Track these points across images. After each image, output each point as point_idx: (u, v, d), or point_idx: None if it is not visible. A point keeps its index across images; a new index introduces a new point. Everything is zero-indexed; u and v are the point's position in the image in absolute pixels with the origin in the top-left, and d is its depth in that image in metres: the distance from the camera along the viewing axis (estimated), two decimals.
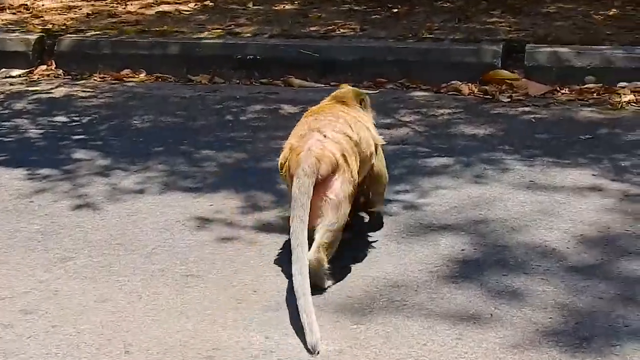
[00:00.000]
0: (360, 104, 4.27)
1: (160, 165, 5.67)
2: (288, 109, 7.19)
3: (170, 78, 8.60)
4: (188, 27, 10.05)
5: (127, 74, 8.48)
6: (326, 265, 3.64)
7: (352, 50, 8.42)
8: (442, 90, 7.58)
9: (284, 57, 8.48)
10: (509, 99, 7.14)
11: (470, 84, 7.24)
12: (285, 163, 3.81)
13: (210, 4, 11.62)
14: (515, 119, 6.68)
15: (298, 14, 10.79)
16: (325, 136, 3.76)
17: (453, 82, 7.41)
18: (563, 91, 6.97)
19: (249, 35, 9.49)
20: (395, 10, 10.81)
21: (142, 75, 8.51)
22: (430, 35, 9.38)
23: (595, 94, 6.79)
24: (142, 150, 6.02)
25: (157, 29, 9.90)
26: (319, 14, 10.77)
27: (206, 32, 9.68)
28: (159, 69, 8.55)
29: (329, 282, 3.72)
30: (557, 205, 4.69)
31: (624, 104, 6.48)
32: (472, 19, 10.18)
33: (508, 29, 9.62)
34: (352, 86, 4.74)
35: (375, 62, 8.17)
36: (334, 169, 3.66)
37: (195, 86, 8.26)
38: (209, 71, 8.58)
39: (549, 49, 7.40)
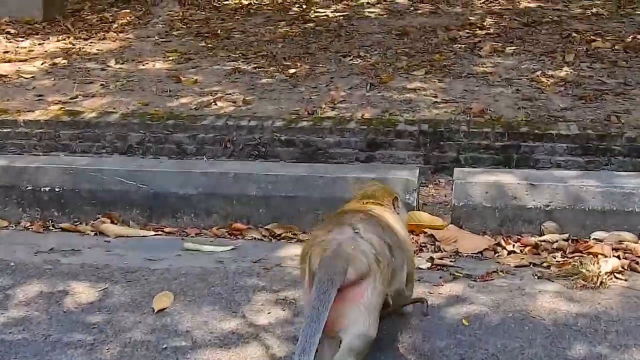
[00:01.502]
0: (393, 205, 3.92)
1: None
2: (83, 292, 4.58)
3: None
4: (20, 101, 7.67)
5: None
6: None
7: (194, 180, 5.57)
8: None
9: (95, 189, 5.69)
10: (429, 263, 4.65)
11: None
12: (306, 255, 3.37)
13: (63, 61, 9.15)
14: (433, 322, 4.09)
15: (169, 77, 8.43)
16: (357, 233, 3.33)
17: None
18: (509, 246, 4.58)
19: (93, 114, 7.15)
20: (293, 70, 8.48)
21: None
22: (332, 113, 7.52)
23: (559, 255, 4.41)
24: None
25: None
26: (196, 77, 8.41)
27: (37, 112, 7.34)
28: None
29: None
30: None
31: (604, 278, 4.10)
32: (387, 83, 7.93)
33: (433, 99, 7.62)
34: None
35: (230, 198, 5.35)
36: (365, 274, 3.25)
37: None
38: None
39: (488, 178, 4.98)
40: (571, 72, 8.42)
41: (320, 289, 3.12)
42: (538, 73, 8.43)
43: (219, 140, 7.15)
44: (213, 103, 7.86)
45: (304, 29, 10.51)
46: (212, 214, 4.94)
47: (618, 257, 4.36)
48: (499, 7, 11.57)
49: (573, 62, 8.81)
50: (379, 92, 8.02)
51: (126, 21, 11.55)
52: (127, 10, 12.23)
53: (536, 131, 6.82)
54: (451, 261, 4.51)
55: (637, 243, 4.47)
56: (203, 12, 11.97)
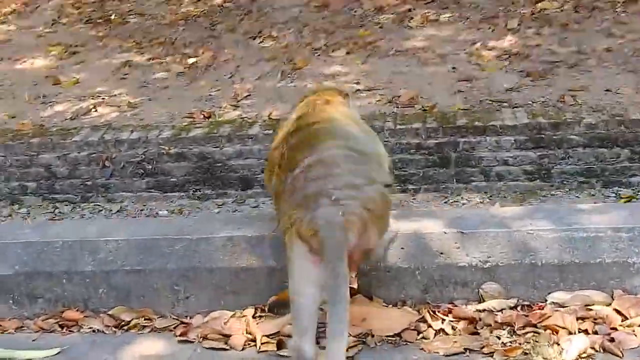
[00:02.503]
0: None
1: None
2: None
3: None
4: None
5: None
6: None
7: (10, 256, 3.87)
8: (190, 338, 3.54)
9: None
10: None
11: (247, 323, 3.50)
12: (289, 230, 3.09)
13: None
14: None
15: (48, 77, 7.40)
16: (335, 200, 3.02)
17: (216, 313, 3.60)
18: (437, 322, 3.30)
19: None
20: (193, 59, 7.26)
21: None
22: (234, 114, 6.59)
23: (505, 334, 3.15)
24: None
25: None
26: (78, 76, 7.18)
27: None
28: None
29: None
30: None
31: None
32: (303, 69, 6.85)
33: (355, 86, 6.80)
34: None
35: (58, 276, 3.92)
36: (362, 229, 3.06)
37: None
38: None
39: (404, 226, 3.64)
40: (515, 42, 7.22)
41: (332, 266, 2.95)
42: (477, 45, 7.23)
43: (95, 159, 5.84)
44: (93, 109, 6.58)
45: (210, 7, 9.19)
46: (36, 299, 3.65)
47: (585, 331, 3.14)
48: None
49: (517, 28, 7.62)
50: (292, 82, 6.78)
51: (10, 9, 10.07)
52: None
53: (477, 123, 5.64)
54: (357, 353, 3.24)
55: (610, 306, 3.25)
56: None
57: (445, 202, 5.48)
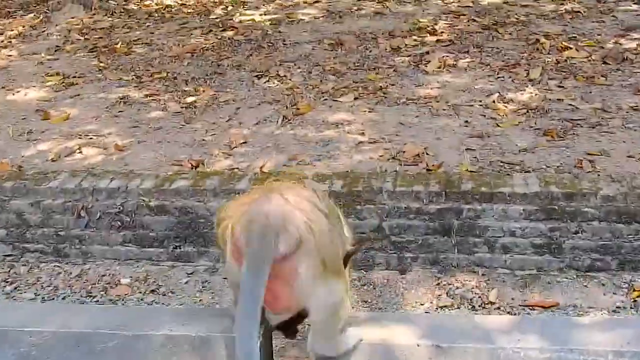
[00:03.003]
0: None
1: None
2: None
3: None
4: None
5: None
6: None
7: None
8: None
9: None
10: None
11: None
12: (226, 227, 3.17)
13: None
14: None
15: (38, 111, 7.26)
16: (287, 200, 3.14)
17: None
18: None
19: None
20: (192, 98, 6.88)
21: None
22: (225, 164, 6.17)
23: None
24: None
25: None
26: (70, 111, 6.89)
27: None
28: None
29: None
30: None
31: None
32: (305, 115, 6.56)
33: (358, 137, 6.63)
34: None
35: None
36: (298, 245, 3.06)
37: None
38: None
39: (369, 334, 3.13)
40: (536, 95, 6.73)
41: (252, 267, 2.97)
42: (495, 97, 6.74)
43: (70, 208, 5.41)
44: (78, 150, 6.17)
45: (220, 39, 8.78)
46: None
47: None
48: (457, 3, 9.80)
49: (539, 79, 7.13)
50: (292, 129, 6.33)
51: (17, 32, 9.74)
52: (28, 17, 10.44)
53: (483, 189, 5.15)
54: None
55: None
56: (110, 18, 10.18)
57: (437, 285, 5.00)
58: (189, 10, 10.51)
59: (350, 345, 3.26)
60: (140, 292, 5.15)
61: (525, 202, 5.18)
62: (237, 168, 5.80)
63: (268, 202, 3.14)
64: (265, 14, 9.99)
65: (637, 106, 6.44)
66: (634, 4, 9.32)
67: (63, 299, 5.13)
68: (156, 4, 10.93)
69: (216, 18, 10.01)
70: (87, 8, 10.56)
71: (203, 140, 6.32)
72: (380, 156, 5.87)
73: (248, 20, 9.69)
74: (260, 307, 2.98)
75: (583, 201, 5.15)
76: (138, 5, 10.98)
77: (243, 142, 6.24)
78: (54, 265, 5.50)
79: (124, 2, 11.09)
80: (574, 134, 6.08)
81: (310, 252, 3.09)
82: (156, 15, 10.37)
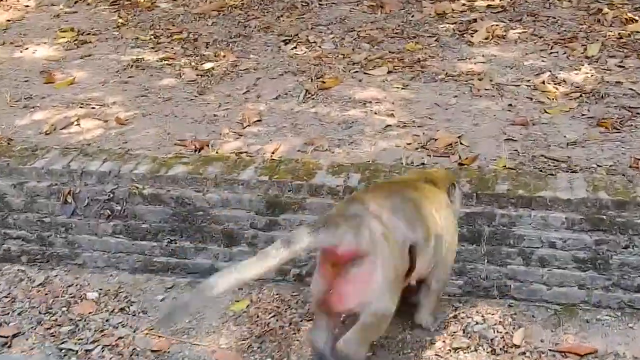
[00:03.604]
0: (448, 193, 4.19)
1: None
2: None
3: None
4: None
5: None
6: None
7: None
8: None
9: None
10: None
11: None
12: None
13: None
14: None
15: (43, 72, 6.80)
16: (366, 208, 3.66)
17: None
18: None
19: None
20: (210, 64, 6.38)
21: None
22: (233, 146, 5.56)
23: None
24: None
25: None
26: (77, 73, 6.39)
27: None
28: None
29: None
30: None
31: None
32: (331, 89, 6.08)
33: (386, 119, 5.87)
34: None
35: None
36: (368, 249, 3.53)
37: None
38: None
39: None
40: (592, 75, 5.97)
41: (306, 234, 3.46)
42: (545, 76, 6.01)
43: (56, 192, 4.83)
44: (76, 122, 5.54)
45: None
46: None
47: None
48: None
49: (598, 56, 6.35)
50: (314, 106, 5.68)
51: None
52: None
53: (521, 192, 4.49)
54: None
55: None
56: None
57: (454, 318, 4.31)
58: None
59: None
60: (107, 310, 4.55)
61: (568, 209, 4.49)
62: (246, 152, 5.16)
63: (349, 207, 3.72)
64: None
65: None
66: None
67: (19, 314, 4.56)
68: None
69: None
70: None
71: (214, 115, 5.69)
72: (408, 144, 5.19)
73: None
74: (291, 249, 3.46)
75: (637, 211, 4.41)
76: None
77: (257, 120, 5.60)
78: (17, 270, 4.91)
79: None
80: (632, 125, 5.35)
81: (384, 257, 3.56)
82: None
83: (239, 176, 4.82)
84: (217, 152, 5.16)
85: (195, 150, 5.19)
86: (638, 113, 5.52)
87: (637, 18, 7.13)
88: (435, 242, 3.91)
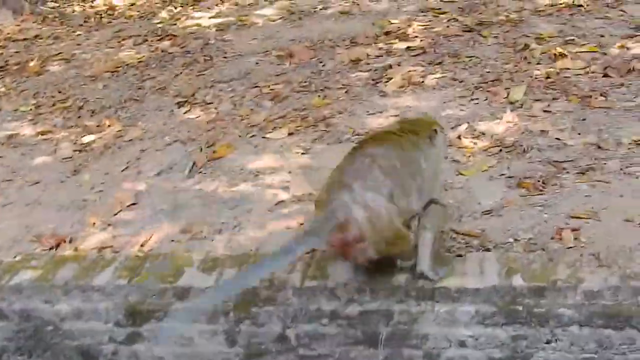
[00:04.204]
0: (430, 139, 4.13)
1: None
2: None
3: None
4: None
5: None
6: None
7: None
8: None
9: None
10: None
11: None
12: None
13: None
14: None
15: None
16: (353, 194, 3.67)
17: None
18: None
19: None
20: (92, 137, 5.89)
21: None
22: (99, 238, 4.92)
23: None
24: None
25: None
26: None
27: None
28: None
29: None
30: None
31: None
32: (222, 158, 5.52)
33: (279, 193, 5.21)
34: None
35: None
36: (362, 236, 3.65)
37: None
38: None
39: None
40: (515, 125, 5.28)
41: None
42: (463, 128, 5.26)
43: None
44: None
45: (152, 52, 7.32)
46: None
47: None
48: None
49: (523, 100, 5.61)
50: (200, 182, 5.02)
51: None
52: None
53: (421, 283, 3.65)
54: None
55: None
56: (40, 26, 8.78)
57: None
58: (133, 13, 9.07)
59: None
60: None
61: (479, 299, 3.73)
62: (111, 246, 4.39)
63: (337, 195, 3.73)
64: (216, 16, 8.53)
65: None
66: None
67: None
68: (104, 4, 9.50)
69: (159, 23, 8.58)
70: (17, 14, 9.14)
71: (84, 201, 4.96)
72: (301, 224, 4.43)
73: (193, 26, 8.28)
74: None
75: (558, 298, 3.68)
76: (81, 5, 9.55)
77: (132, 204, 4.82)
78: None
79: (65, 4, 9.66)
80: (557, 184, 4.64)
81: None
82: (93, 20, 8.96)
83: (92, 281, 4.02)
84: (75, 249, 4.36)
85: (51, 249, 4.40)
86: (564, 168, 4.81)
87: (566, 53, 6.43)
88: (424, 194, 3.97)
